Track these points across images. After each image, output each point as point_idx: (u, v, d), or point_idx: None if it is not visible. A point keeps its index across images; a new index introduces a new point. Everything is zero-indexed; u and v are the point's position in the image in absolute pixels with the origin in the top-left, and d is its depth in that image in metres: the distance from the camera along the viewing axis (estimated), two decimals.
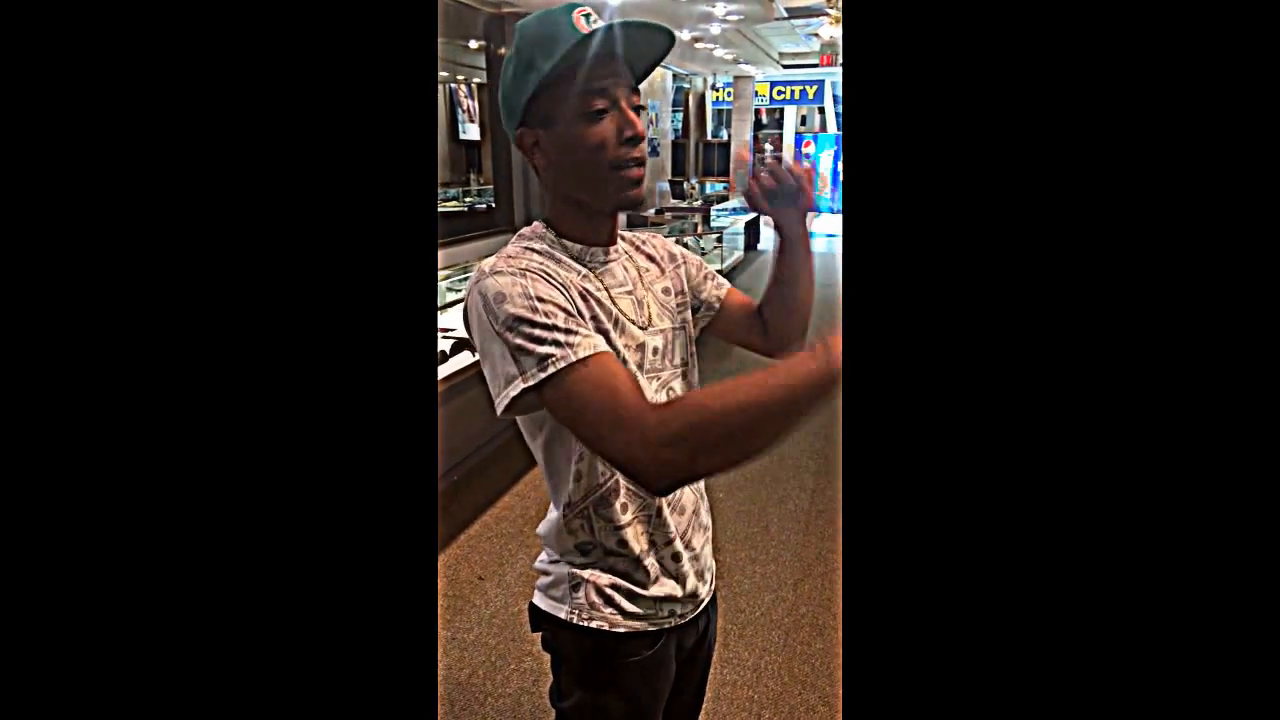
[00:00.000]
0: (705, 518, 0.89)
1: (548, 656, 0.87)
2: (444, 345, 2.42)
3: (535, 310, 0.65)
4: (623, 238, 0.82)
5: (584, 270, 0.75)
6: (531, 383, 0.64)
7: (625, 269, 0.80)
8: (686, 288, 0.88)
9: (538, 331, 0.64)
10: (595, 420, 0.63)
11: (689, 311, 0.87)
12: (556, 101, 0.71)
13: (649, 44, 0.72)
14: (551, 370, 0.63)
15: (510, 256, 0.71)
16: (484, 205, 4.63)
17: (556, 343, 0.64)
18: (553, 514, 0.82)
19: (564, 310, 0.66)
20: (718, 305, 0.91)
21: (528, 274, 0.67)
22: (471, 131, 4.62)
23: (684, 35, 5.83)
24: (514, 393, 0.65)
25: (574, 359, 0.63)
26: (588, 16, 0.70)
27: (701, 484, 0.88)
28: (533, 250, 0.74)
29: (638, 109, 0.73)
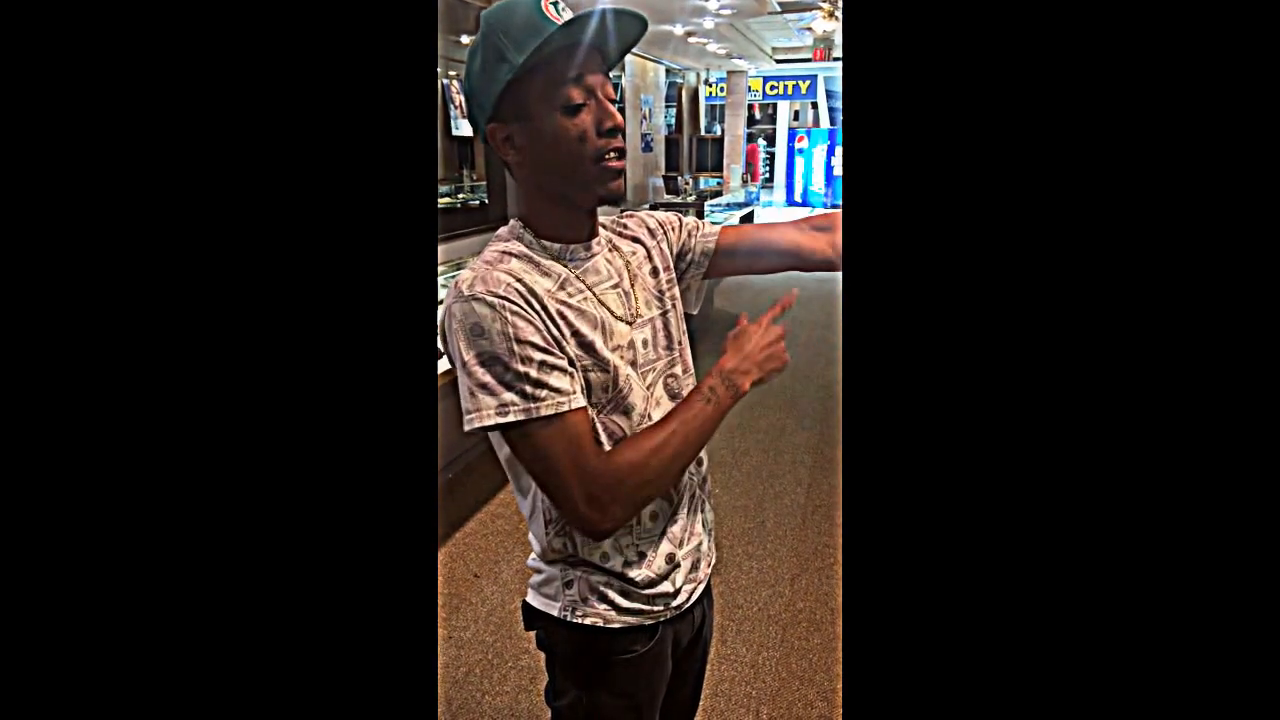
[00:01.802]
0: (708, 510, 0.88)
1: (544, 655, 0.86)
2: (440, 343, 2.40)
3: (512, 354, 0.65)
4: (604, 226, 0.81)
5: (565, 272, 0.73)
6: (487, 423, 0.65)
7: (609, 261, 0.78)
8: (671, 259, 0.86)
9: (508, 376, 0.65)
10: (547, 475, 0.67)
11: (676, 288, 0.85)
12: (532, 94, 0.68)
13: (623, 32, 0.71)
14: (511, 419, 0.65)
15: (489, 267, 0.68)
16: (477, 201, 4.61)
17: (523, 392, 0.65)
18: (534, 533, 0.80)
19: (542, 351, 0.66)
20: (706, 263, 0.89)
21: (506, 306, 0.65)
22: (464, 127, 4.60)
23: (677, 30, 5.82)
24: (468, 428, 0.66)
25: (535, 415, 0.65)
26: (556, 5, 0.67)
27: (705, 470, 0.88)
28: (511, 256, 0.71)
29: (614, 100, 0.72)
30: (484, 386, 0.65)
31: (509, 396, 0.65)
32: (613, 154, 0.70)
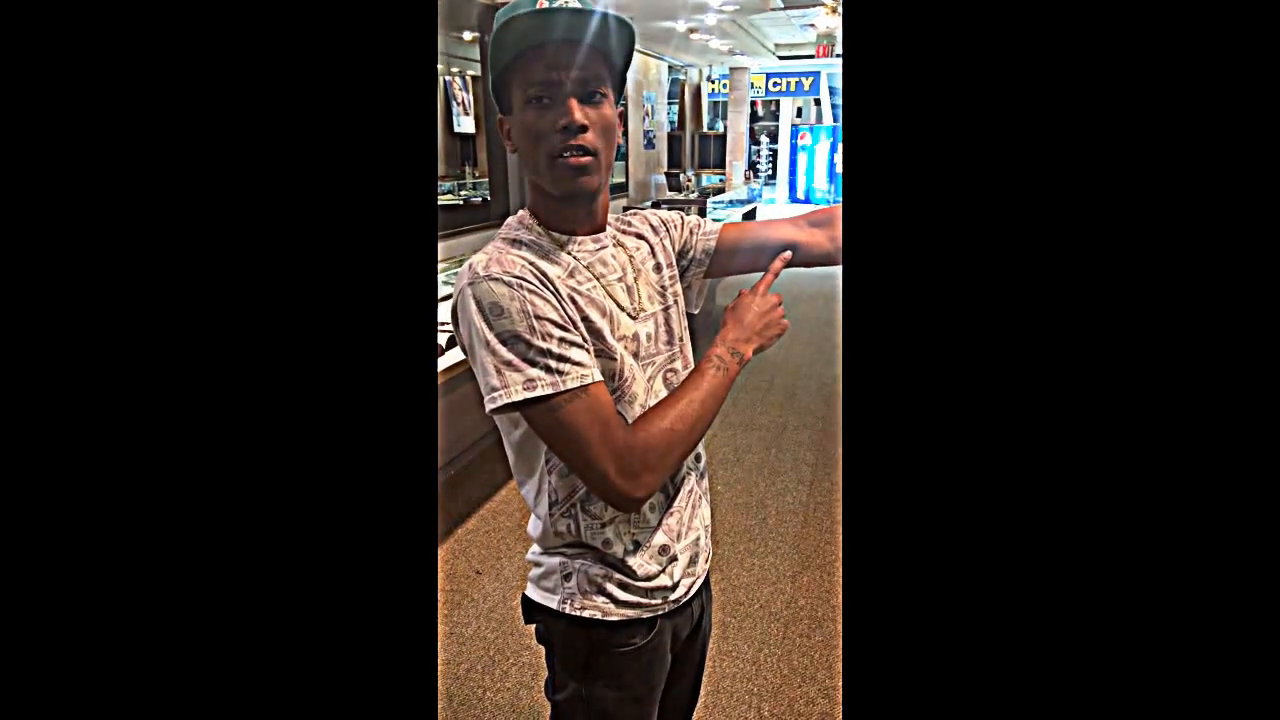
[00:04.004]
0: (705, 506, 0.88)
1: (544, 649, 0.86)
2: (440, 339, 2.40)
3: (532, 330, 0.66)
4: (610, 223, 0.82)
5: (574, 262, 0.74)
6: (515, 399, 0.66)
7: (615, 255, 0.79)
8: (673, 256, 0.87)
9: (531, 353, 0.66)
10: (576, 449, 0.68)
11: (678, 284, 0.87)
12: (512, 89, 0.71)
13: (599, 33, 0.69)
14: (537, 393, 0.66)
15: (501, 251, 0.70)
16: (479, 198, 4.62)
17: (547, 367, 0.66)
18: (537, 517, 0.81)
19: (560, 328, 0.67)
20: (708, 261, 0.90)
21: (523, 285, 0.67)
22: (466, 124, 4.60)
23: (680, 26, 5.81)
24: (493, 406, 0.67)
25: (562, 388, 0.66)
26: (552, 1, 0.67)
27: (703, 466, 0.88)
28: (521, 244, 0.73)
29: (592, 96, 0.70)
30: (509, 364, 0.66)
31: (534, 372, 0.66)
32: (573, 152, 0.70)
